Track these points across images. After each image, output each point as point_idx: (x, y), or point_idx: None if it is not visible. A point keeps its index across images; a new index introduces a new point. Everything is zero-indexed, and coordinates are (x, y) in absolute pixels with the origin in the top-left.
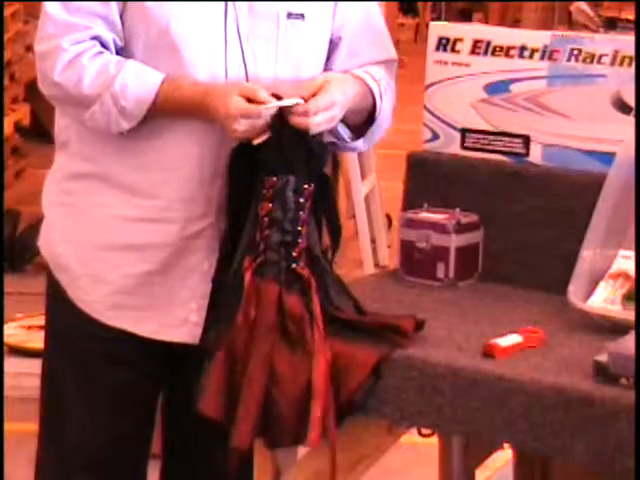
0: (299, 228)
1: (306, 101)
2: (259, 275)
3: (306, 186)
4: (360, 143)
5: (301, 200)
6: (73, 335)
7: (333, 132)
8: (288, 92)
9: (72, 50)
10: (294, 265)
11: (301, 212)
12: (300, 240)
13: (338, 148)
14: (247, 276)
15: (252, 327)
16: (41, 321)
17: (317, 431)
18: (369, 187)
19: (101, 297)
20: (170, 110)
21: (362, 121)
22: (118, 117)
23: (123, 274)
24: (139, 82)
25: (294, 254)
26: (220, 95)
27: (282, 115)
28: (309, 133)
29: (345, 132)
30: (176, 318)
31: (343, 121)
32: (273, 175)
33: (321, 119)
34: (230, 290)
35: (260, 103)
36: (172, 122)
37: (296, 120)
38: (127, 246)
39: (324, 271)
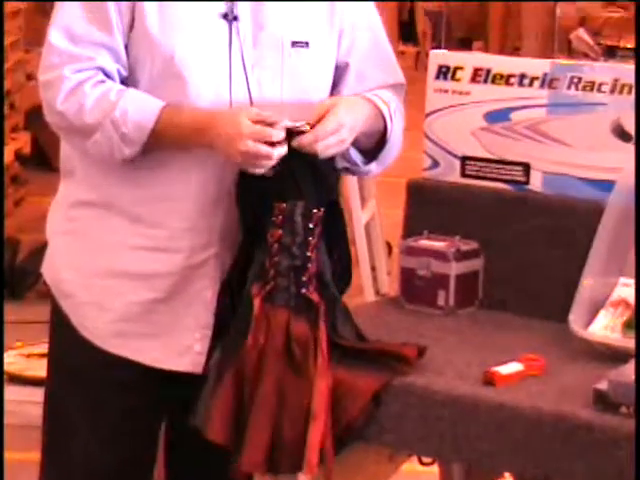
0: (308, 254)
1: (314, 125)
2: (269, 302)
3: (315, 211)
4: (373, 167)
5: (310, 225)
6: (76, 361)
7: (345, 157)
8: (295, 117)
9: (74, 78)
10: (304, 290)
11: (310, 237)
12: (309, 265)
13: (351, 173)
14: (256, 303)
15: (261, 352)
16: (41, 349)
17: (315, 457)
18: (369, 214)
19: (104, 324)
20: (172, 136)
21: (374, 144)
22: (120, 144)
23: (127, 302)
24: (139, 108)
25: (304, 279)
26: (228, 116)
27: (290, 139)
28: (318, 157)
29: (357, 156)
30: (179, 347)
31: (355, 145)
32: (282, 201)
33: (330, 142)
34: (239, 316)
35: (268, 126)
36: (174, 153)
37: (304, 144)
38: (132, 274)
39: (333, 298)
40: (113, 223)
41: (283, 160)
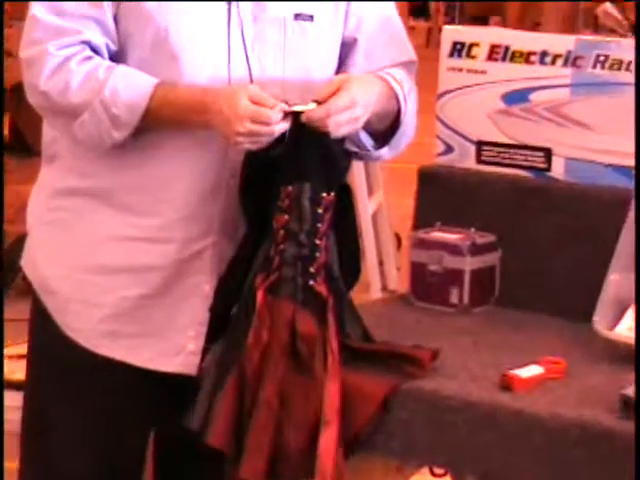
0: (317, 241)
1: (324, 102)
2: (273, 294)
3: (324, 195)
4: (385, 152)
5: (319, 210)
6: (60, 364)
7: (355, 141)
8: (298, 97)
9: (59, 54)
10: (311, 282)
11: (319, 224)
12: (318, 254)
13: (360, 158)
14: (259, 294)
15: (264, 350)
16: (19, 350)
17: (330, 465)
18: (376, 204)
19: (92, 324)
20: (165, 116)
21: (386, 128)
22: (109, 126)
23: (116, 298)
24: (130, 86)
25: (311, 270)
26: (225, 95)
27: (299, 118)
28: (328, 137)
29: (368, 140)
30: (172, 346)
31: (365, 128)
32: (289, 184)
33: (342, 119)
34: (241, 311)
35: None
36: (170, 134)
37: (315, 119)
38: (121, 268)
39: (341, 293)
40: (101, 213)
41: (290, 140)
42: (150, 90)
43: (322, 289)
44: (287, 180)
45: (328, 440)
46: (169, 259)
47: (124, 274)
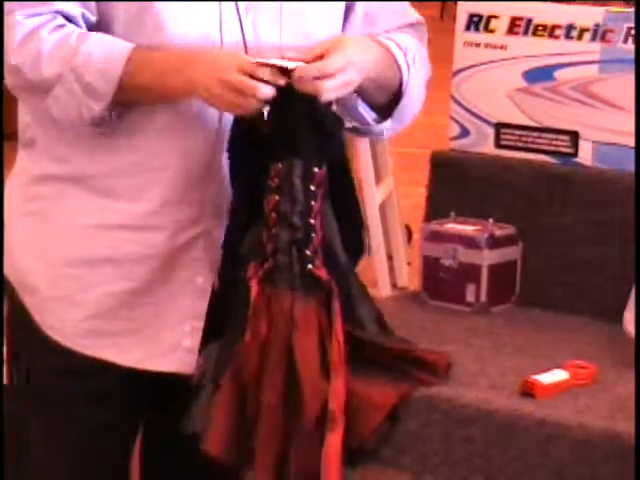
0: (311, 221)
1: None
2: (269, 284)
3: (316, 170)
4: (388, 124)
5: (312, 187)
6: (41, 369)
7: (354, 115)
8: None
9: (29, 23)
10: (309, 266)
11: (312, 202)
12: (314, 235)
13: (362, 134)
14: (254, 285)
15: (264, 347)
16: None
17: (335, 472)
18: (385, 193)
19: (75, 322)
20: (144, 83)
21: (388, 98)
22: (84, 97)
23: (101, 294)
24: (105, 51)
25: (308, 253)
26: (212, 53)
27: (285, 85)
28: (318, 105)
29: (369, 113)
30: (165, 344)
31: (365, 99)
32: (278, 161)
33: (335, 82)
34: (234, 305)
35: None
36: (155, 112)
37: (305, 77)
38: (106, 260)
39: (345, 273)
40: (82, 200)
41: (277, 111)
42: (126, 53)
43: (322, 272)
44: (276, 156)
45: (334, 441)
46: (158, 249)
47: (108, 266)
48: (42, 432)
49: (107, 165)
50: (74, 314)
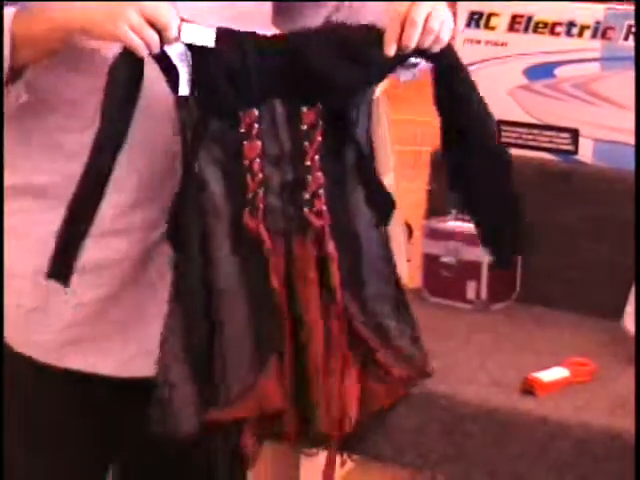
0: (307, 163)
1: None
2: (266, 228)
3: (305, 109)
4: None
5: (302, 127)
6: (20, 390)
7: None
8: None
9: None
10: (306, 209)
11: (306, 142)
12: (309, 176)
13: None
14: (262, 230)
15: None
16: None
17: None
18: None
19: (50, 335)
20: (39, 32)
21: None
22: None
23: (73, 305)
24: None
25: (306, 196)
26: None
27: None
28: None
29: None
30: (146, 344)
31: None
32: (249, 107)
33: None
34: (245, 266)
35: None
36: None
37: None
38: (77, 269)
39: (357, 237)
40: (43, 209)
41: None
42: (11, 12)
43: (319, 221)
44: (245, 103)
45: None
46: (131, 250)
47: (80, 274)
48: (26, 457)
49: (65, 173)
50: (48, 326)
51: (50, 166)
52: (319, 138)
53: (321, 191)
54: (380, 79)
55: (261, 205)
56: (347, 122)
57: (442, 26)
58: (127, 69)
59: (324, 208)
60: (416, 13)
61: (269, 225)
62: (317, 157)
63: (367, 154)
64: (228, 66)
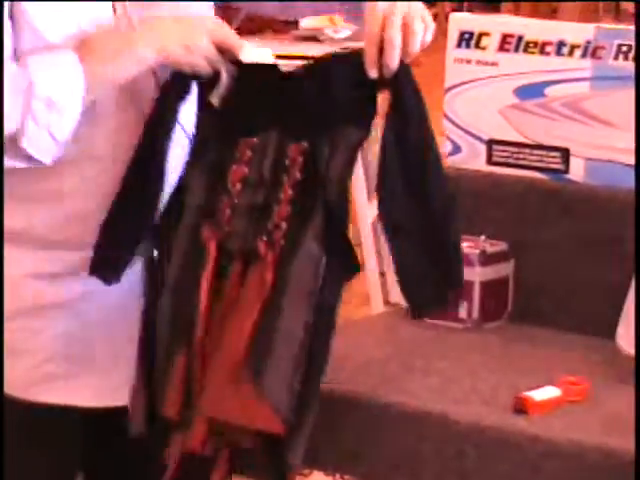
0: (280, 195)
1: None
2: (224, 248)
3: (292, 145)
4: None
5: (285, 162)
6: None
7: None
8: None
9: None
10: (264, 237)
11: (284, 175)
12: (275, 207)
13: None
14: (211, 247)
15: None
16: None
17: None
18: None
19: (26, 371)
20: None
21: None
22: (58, 119)
23: (51, 336)
24: (54, 66)
25: (268, 225)
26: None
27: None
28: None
29: None
30: (120, 375)
31: None
32: (250, 136)
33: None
34: (185, 266)
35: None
36: (80, 163)
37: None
38: (44, 306)
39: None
40: (16, 251)
41: (243, 87)
42: (71, 53)
43: (268, 252)
44: (252, 131)
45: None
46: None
47: (53, 311)
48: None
49: (28, 210)
50: (24, 364)
51: (13, 205)
52: (297, 175)
53: (284, 224)
54: (355, 116)
55: (226, 227)
56: (319, 160)
57: (424, 23)
58: (178, 90)
59: (281, 242)
60: (391, 29)
61: (226, 244)
62: (290, 192)
63: (337, 210)
64: (250, 92)
